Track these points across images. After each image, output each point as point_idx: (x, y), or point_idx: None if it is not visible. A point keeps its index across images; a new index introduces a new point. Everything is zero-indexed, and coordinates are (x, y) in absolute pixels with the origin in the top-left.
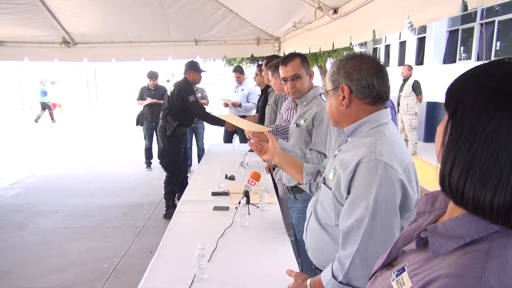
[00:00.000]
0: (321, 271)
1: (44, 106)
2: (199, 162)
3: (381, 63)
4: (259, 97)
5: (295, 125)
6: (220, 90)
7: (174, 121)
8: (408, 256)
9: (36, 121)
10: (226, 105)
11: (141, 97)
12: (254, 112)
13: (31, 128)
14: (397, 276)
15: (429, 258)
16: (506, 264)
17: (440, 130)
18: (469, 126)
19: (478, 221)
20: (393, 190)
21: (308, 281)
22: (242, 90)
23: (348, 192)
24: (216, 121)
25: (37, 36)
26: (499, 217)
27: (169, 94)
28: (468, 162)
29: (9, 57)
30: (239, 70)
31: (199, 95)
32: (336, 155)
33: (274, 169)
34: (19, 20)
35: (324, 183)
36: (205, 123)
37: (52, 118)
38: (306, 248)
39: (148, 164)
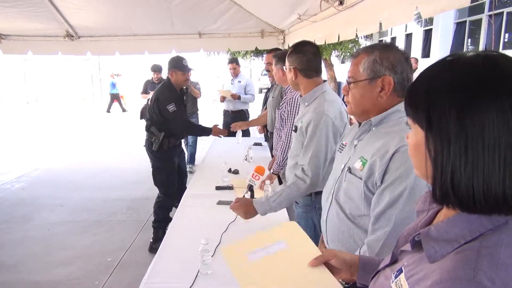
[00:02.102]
0: None
1: (114, 97)
2: (188, 163)
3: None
4: (267, 90)
5: (293, 128)
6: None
7: (159, 132)
8: (407, 255)
9: (108, 111)
10: (223, 98)
11: (145, 91)
12: (250, 104)
13: (36, 121)
14: (395, 277)
15: (423, 258)
16: (498, 263)
17: (415, 142)
18: (456, 128)
19: (470, 221)
20: None
21: None
22: (239, 82)
23: (382, 181)
24: (204, 130)
25: (40, 30)
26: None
27: (149, 102)
28: (470, 164)
29: (13, 51)
30: (235, 62)
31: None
32: (356, 144)
33: None
34: (22, 13)
35: (350, 172)
36: (199, 118)
37: (123, 108)
38: (325, 241)
39: None
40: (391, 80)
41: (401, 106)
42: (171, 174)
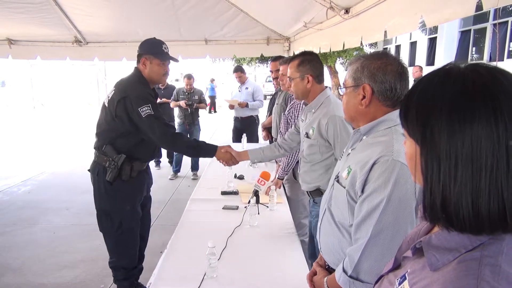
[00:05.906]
0: (335, 270)
1: (212, 100)
2: (192, 169)
3: (405, 65)
4: (272, 96)
5: (305, 134)
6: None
7: (117, 153)
8: (410, 262)
9: (209, 112)
10: (232, 107)
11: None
12: (259, 110)
13: (42, 126)
14: (399, 284)
15: (425, 265)
16: (499, 272)
17: (410, 153)
18: (446, 147)
19: None
20: (409, 191)
21: (325, 279)
22: (247, 88)
23: (362, 191)
24: (200, 148)
25: (49, 35)
26: (497, 225)
27: (106, 104)
28: (459, 185)
29: (22, 56)
30: (240, 70)
31: (195, 97)
32: (349, 153)
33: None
34: (32, 19)
35: (338, 181)
36: (200, 124)
37: (213, 110)
38: (319, 247)
39: (157, 162)
40: (367, 87)
41: (388, 116)
42: (128, 221)
